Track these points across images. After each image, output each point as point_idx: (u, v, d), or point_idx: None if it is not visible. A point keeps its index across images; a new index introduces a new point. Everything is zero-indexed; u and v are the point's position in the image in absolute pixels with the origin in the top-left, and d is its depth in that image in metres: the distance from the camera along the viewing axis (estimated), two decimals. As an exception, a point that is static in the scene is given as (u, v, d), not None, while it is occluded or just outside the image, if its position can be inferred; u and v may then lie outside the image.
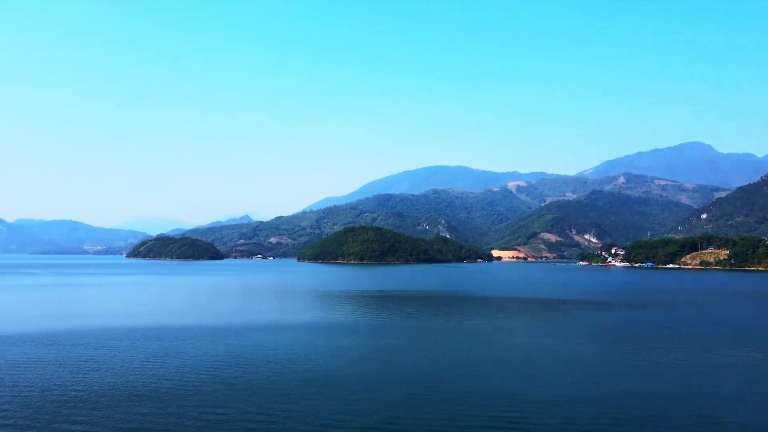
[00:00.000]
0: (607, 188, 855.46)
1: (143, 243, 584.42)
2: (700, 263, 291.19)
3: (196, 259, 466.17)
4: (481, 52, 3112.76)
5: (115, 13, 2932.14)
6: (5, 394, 30.47)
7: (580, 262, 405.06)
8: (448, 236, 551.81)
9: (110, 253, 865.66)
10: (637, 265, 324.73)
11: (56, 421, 26.10)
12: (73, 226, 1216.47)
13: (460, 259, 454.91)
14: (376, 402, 29.41)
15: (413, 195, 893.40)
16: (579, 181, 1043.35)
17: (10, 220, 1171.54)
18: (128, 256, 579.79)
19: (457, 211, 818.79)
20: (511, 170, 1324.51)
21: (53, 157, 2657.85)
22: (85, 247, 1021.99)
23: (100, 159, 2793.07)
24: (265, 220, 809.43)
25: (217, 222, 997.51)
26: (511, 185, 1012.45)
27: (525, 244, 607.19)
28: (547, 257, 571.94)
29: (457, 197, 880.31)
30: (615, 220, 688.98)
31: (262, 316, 68.49)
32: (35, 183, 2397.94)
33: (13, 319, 62.80)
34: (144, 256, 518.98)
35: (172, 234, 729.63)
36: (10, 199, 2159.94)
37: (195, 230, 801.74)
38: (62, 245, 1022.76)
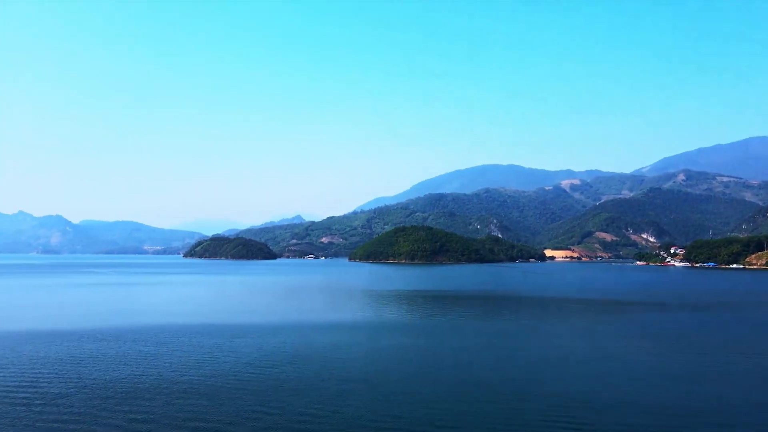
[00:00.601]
0: (666, 186, 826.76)
1: (199, 243, 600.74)
2: (767, 263, 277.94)
3: (249, 259, 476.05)
4: (529, 49, 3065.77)
5: (163, 17, 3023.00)
6: (71, 387, 31.79)
7: (637, 262, 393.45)
8: (499, 236, 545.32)
9: (168, 253, 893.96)
10: (698, 265, 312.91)
11: (117, 413, 27.02)
12: (134, 227, 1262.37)
13: (512, 259, 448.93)
14: (426, 402, 29.21)
15: (464, 194, 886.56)
16: (636, 178, 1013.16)
17: (75, 221, 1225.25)
18: (185, 255, 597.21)
19: (509, 211, 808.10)
20: (564, 168, 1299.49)
21: (117, 161, 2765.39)
22: (145, 247, 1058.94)
23: (161, 163, 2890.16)
24: (316, 220, 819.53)
25: (270, 222, 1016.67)
26: (565, 183, 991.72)
27: (579, 243, 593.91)
28: (602, 257, 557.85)
29: (509, 196, 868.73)
30: (674, 218, 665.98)
31: (313, 314, 69.22)
32: (99, 186, 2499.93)
33: (79, 316, 65.51)
34: (200, 256, 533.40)
35: (227, 234, 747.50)
36: (76, 202, 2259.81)
37: (249, 230, 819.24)
38: (124, 245, 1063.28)
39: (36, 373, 35.09)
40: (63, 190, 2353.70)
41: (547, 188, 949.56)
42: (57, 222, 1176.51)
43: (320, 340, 48.85)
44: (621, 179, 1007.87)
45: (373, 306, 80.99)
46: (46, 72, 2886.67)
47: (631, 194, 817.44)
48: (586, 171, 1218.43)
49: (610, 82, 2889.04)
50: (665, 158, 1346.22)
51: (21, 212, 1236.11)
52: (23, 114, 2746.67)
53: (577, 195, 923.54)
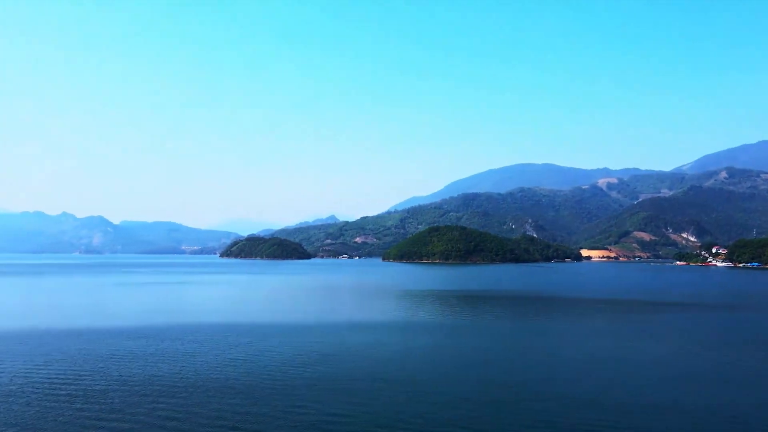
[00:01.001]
0: (707, 184, 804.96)
1: (235, 243, 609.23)
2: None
3: (284, 259, 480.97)
4: (563, 45, 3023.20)
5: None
6: (111, 384, 32.67)
7: (677, 262, 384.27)
8: (534, 235, 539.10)
9: (205, 253, 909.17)
10: (741, 265, 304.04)
11: (156, 409, 27.65)
12: (172, 227, 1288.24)
13: (547, 259, 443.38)
14: (456, 403, 29.11)
15: (499, 194, 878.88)
16: (675, 176, 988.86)
17: (116, 222, 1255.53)
18: (221, 255, 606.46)
19: (545, 210, 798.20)
20: (600, 167, 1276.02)
21: (156, 163, 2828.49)
22: (183, 247, 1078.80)
23: (198, 165, 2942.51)
24: (350, 220, 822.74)
25: (305, 222, 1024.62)
26: (601, 182, 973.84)
27: (616, 243, 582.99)
28: (640, 257, 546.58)
29: (544, 195, 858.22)
30: (716, 217, 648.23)
31: (346, 314, 69.59)
32: (139, 187, 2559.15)
33: (119, 315, 67.19)
34: (236, 256, 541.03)
35: (262, 234, 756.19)
36: (117, 203, 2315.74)
37: (283, 230, 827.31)
38: (162, 245, 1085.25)
39: (78, 370, 36.16)
40: (104, 191, 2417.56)
41: (583, 187, 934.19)
42: (98, 222, 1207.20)
43: (353, 339, 49.12)
44: (660, 177, 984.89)
45: (405, 306, 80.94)
46: (88, 76, 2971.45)
47: (671, 193, 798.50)
48: (624, 169, 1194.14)
49: (647, 77, 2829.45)
50: (706, 155, 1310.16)
51: (64, 213, 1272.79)
52: (67, 118, 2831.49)
53: (614, 194, 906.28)
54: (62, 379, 33.80)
